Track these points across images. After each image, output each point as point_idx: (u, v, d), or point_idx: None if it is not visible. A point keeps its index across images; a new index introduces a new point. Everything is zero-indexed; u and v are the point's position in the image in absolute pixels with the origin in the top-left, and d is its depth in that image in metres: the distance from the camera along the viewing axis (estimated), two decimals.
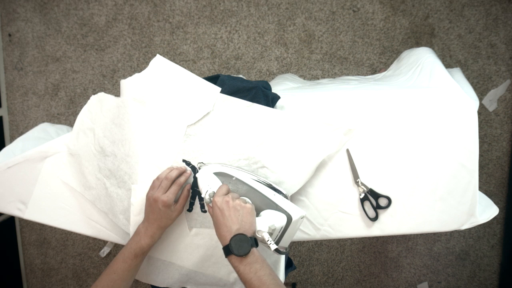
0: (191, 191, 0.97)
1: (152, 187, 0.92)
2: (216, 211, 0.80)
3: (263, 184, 0.90)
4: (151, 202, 0.90)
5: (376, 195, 0.99)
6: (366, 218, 1.01)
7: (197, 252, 1.01)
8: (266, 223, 0.81)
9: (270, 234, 0.81)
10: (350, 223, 1.02)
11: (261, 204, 0.85)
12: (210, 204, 0.84)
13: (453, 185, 0.98)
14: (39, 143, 1.09)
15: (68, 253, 2.05)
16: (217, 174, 0.90)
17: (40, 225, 1.95)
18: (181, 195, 0.94)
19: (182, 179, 0.93)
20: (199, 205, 0.98)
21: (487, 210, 1.04)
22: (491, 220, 1.03)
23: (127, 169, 0.97)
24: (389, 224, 1.01)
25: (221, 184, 0.87)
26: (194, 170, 0.96)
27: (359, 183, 1.00)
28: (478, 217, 1.01)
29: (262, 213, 0.84)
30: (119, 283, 0.89)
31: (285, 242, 0.85)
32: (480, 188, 1.02)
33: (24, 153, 1.05)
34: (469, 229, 1.94)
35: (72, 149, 1.04)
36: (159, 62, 0.96)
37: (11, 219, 1.98)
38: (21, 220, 2.02)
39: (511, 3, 1.78)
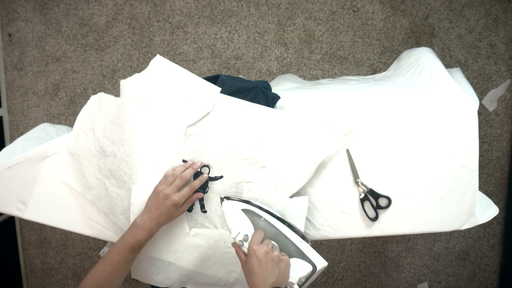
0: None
1: (164, 182, 0.91)
2: (253, 260, 0.79)
3: (288, 227, 0.89)
4: (159, 197, 0.89)
5: (376, 195, 0.99)
6: (366, 218, 1.01)
7: (197, 252, 1.01)
8: (297, 275, 0.82)
9: (299, 285, 0.82)
10: (350, 223, 1.02)
11: (287, 250, 0.85)
12: (243, 248, 0.83)
13: (453, 185, 0.98)
14: (39, 143, 1.09)
15: (68, 253, 2.05)
16: (245, 211, 0.88)
17: (40, 225, 1.94)
18: (189, 199, 0.93)
19: (196, 183, 0.93)
20: (199, 206, 0.98)
21: (487, 210, 1.04)
22: (491, 220, 1.02)
23: (127, 169, 0.97)
24: (389, 224, 1.01)
25: (251, 224, 0.86)
26: None
27: (359, 183, 1.00)
28: (478, 217, 1.01)
29: (290, 261, 0.84)
30: (116, 274, 0.89)
31: None
32: (480, 188, 1.02)
33: (24, 153, 1.05)
34: (469, 229, 1.94)
35: (72, 149, 1.04)
36: (159, 62, 0.96)
37: (11, 219, 1.98)
38: (21, 220, 2.02)
39: (511, 3, 1.78)
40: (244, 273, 0.82)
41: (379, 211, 1.00)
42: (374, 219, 1.00)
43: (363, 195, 0.99)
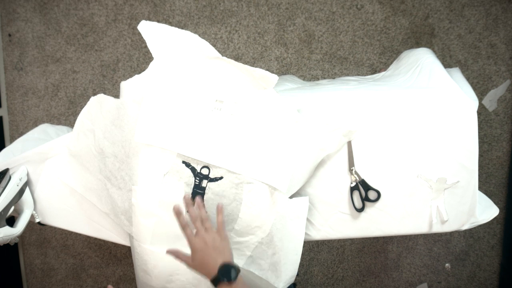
0: (199, 198, 0.96)
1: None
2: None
3: None
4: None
5: (368, 188, 0.99)
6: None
7: None
8: None
9: None
10: (351, 224, 1.02)
11: None
12: None
13: (453, 185, 0.99)
14: (39, 144, 1.09)
15: (68, 253, 2.05)
16: None
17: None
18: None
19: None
20: None
21: (487, 210, 1.04)
22: (491, 220, 1.03)
23: (127, 170, 0.97)
24: (389, 225, 1.01)
25: None
26: (194, 171, 0.96)
27: (356, 180, 1.00)
28: (478, 217, 1.01)
29: None
30: None
31: None
32: (480, 188, 1.02)
33: (24, 153, 1.05)
34: (469, 229, 1.94)
35: (72, 150, 1.04)
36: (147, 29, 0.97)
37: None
38: None
39: (511, 3, 1.78)
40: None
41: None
42: (360, 210, 1.00)
43: (364, 194, 0.99)
